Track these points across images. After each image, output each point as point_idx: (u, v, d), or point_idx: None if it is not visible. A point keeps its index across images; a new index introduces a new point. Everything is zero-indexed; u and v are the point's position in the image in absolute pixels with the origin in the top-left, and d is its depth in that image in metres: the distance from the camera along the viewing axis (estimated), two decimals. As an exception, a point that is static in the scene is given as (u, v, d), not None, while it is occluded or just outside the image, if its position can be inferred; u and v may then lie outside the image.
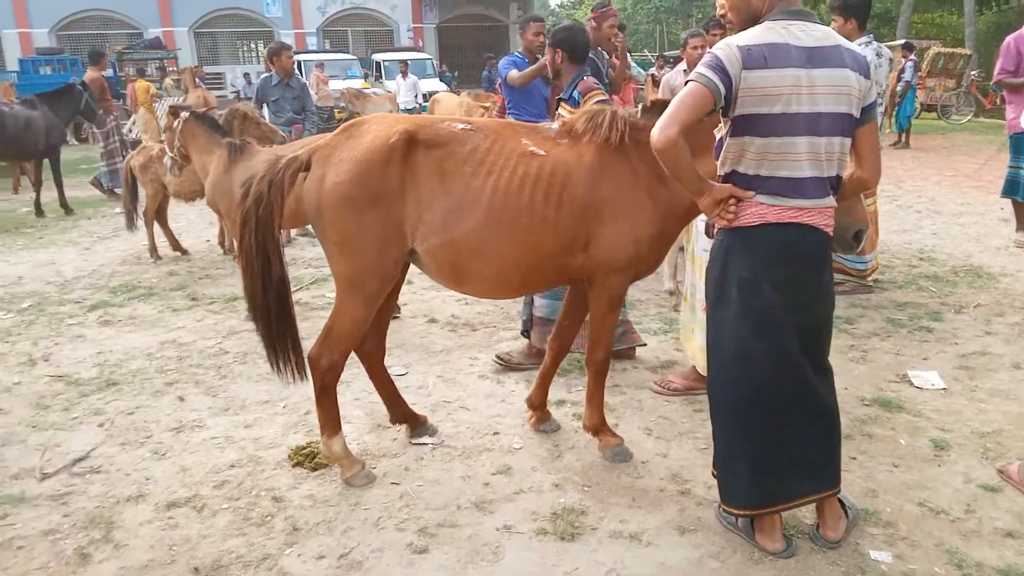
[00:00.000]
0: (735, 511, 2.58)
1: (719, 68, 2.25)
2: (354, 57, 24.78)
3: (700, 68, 2.30)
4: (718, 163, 2.46)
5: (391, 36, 31.30)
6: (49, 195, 9.39)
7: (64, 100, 9.57)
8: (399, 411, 3.46)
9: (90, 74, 10.20)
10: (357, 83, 20.37)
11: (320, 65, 19.76)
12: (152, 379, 4.20)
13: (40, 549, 2.69)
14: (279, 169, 2.92)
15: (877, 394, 3.81)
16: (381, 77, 22.31)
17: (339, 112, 17.42)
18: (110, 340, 4.87)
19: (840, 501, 2.65)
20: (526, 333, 4.37)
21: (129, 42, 25.14)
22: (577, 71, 3.97)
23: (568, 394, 3.87)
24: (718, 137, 2.50)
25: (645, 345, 4.41)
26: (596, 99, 3.81)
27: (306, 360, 3.03)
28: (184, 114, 5.85)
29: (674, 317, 4.95)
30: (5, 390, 4.10)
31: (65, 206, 9.26)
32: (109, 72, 13.56)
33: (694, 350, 3.82)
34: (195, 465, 3.26)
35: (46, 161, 9.35)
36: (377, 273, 2.93)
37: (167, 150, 5.96)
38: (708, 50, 2.43)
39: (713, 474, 2.68)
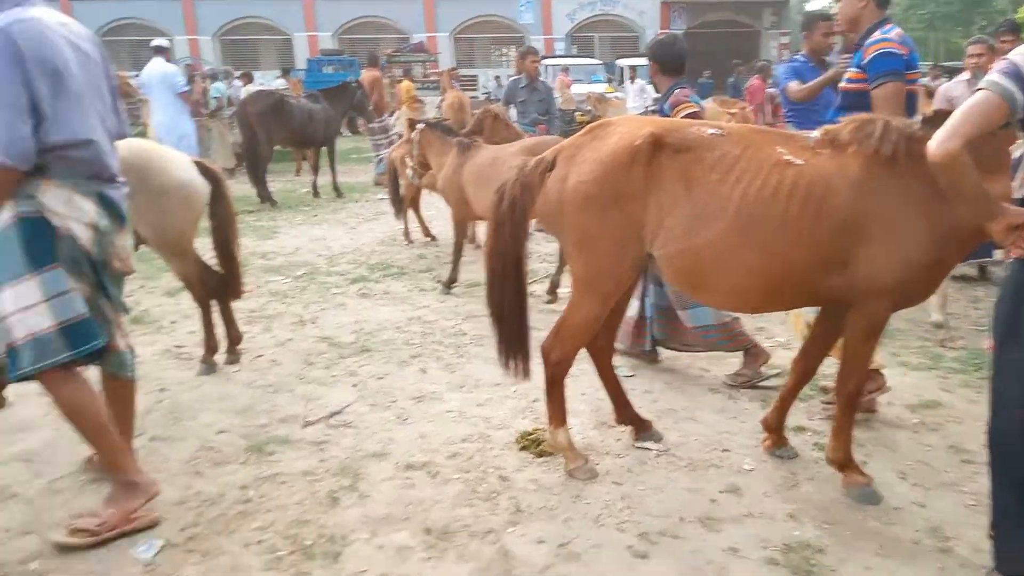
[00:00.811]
0: (1012, 582, 2.22)
1: (1016, 75, 1.95)
2: (599, 62, 25.11)
3: (992, 75, 2.01)
4: (1015, 184, 2.13)
5: (637, 42, 31.34)
6: (324, 179, 10.58)
7: (341, 96, 10.75)
8: (625, 413, 3.43)
9: (367, 74, 11.34)
10: (600, 87, 20.61)
11: (565, 69, 20.26)
12: (400, 350, 4.55)
13: (299, 486, 3.01)
14: (529, 171, 3.01)
15: None
16: (623, 82, 22.40)
17: (581, 115, 17.74)
18: (366, 311, 5.36)
19: None
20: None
21: (397, 46, 27.56)
22: (672, 83, 4.07)
23: (809, 421, 3.59)
24: (1015, 155, 2.17)
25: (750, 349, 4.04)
26: (684, 112, 3.85)
27: (534, 355, 3.09)
28: (420, 125, 6.35)
29: (940, 352, 4.42)
30: (280, 344, 4.67)
31: (337, 190, 10.38)
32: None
33: None
34: (432, 434, 3.47)
35: (324, 149, 10.54)
36: (613, 274, 2.92)
37: (407, 160, 6.49)
38: (1002, 57, 2.12)
39: (989, 535, 2.33)
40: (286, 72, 18.60)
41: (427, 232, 7.75)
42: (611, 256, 2.89)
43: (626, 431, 3.44)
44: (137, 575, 2.48)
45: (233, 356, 4.33)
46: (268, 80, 18.78)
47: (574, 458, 3.13)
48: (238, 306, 4.56)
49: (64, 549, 2.59)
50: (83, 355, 2.58)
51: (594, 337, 3.19)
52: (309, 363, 4.35)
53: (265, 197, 9.69)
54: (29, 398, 3.89)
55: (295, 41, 30.88)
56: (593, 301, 2.97)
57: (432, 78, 24.29)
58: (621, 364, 4.10)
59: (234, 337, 4.34)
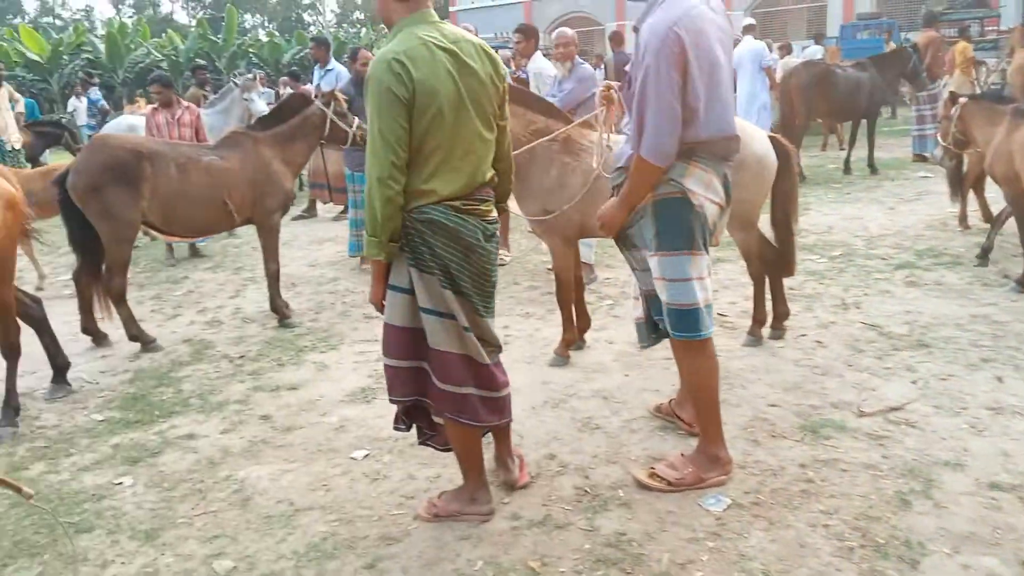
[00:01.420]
0: None
1: None
2: None
3: None
4: None
5: None
6: (855, 154, 9.90)
7: (892, 63, 9.82)
8: None
9: (923, 35, 10.16)
10: None
11: None
12: (965, 351, 4.01)
13: (862, 479, 2.88)
14: None
15: None
16: None
17: None
18: (916, 301, 4.86)
19: None
20: None
21: (950, 3, 24.06)
22: None
23: None
24: None
25: None
26: None
27: None
28: (962, 99, 5.67)
29: None
30: (822, 326, 4.54)
31: (872, 166, 9.63)
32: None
33: None
34: (1018, 453, 2.97)
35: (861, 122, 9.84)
36: None
37: (939, 140, 6.00)
38: None
39: None
40: (819, 39, 17.89)
41: (988, 216, 6.64)
42: None
43: None
44: (709, 525, 2.67)
45: (778, 331, 4.35)
46: (796, 51, 18.28)
47: None
48: (777, 283, 4.55)
49: (642, 487, 2.93)
50: (697, 338, 2.76)
51: None
52: (858, 350, 4.13)
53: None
54: (600, 343, 4.55)
55: (829, 6, 29.35)
56: None
57: (990, 36, 20.67)
58: None
59: (781, 313, 4.36)
